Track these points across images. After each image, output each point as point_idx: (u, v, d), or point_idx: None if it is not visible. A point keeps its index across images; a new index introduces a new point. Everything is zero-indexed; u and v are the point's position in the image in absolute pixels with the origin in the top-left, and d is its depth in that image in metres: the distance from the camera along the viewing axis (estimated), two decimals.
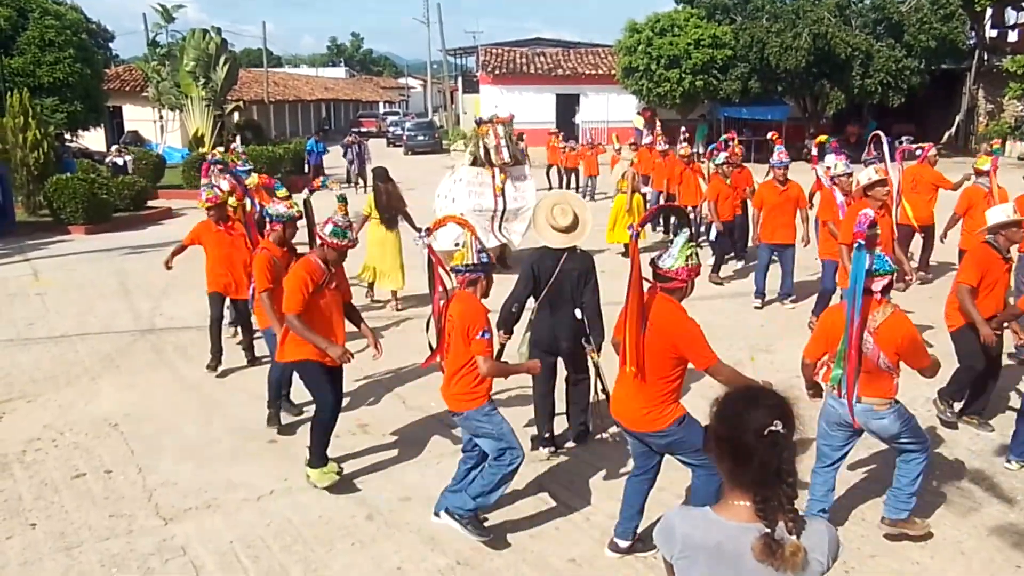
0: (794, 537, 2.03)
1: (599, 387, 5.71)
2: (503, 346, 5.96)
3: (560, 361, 6.16)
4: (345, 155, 25.07)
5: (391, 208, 9.97)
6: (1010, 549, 4.79)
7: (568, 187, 21.90)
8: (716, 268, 11.34)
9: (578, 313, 5.87)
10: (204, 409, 7.09)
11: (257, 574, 4.64)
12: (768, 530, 2.03)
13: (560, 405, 6.30)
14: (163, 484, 5.74)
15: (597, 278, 5.97)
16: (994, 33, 31.08)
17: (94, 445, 6.41)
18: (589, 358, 5.89)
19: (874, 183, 7.62)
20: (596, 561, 4.73)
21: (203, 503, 5.47)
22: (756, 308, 9.91)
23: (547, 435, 6.13)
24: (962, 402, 6.48)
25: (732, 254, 12.31)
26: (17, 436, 6.58)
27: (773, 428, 2.04)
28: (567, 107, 36.81)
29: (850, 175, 8.75)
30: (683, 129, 16.45)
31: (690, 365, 4.34)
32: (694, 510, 2.22)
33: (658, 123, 18.40)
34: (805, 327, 8.91)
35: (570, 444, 6.23)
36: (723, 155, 12.03)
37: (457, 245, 4.92)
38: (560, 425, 6.33)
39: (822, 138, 11.15)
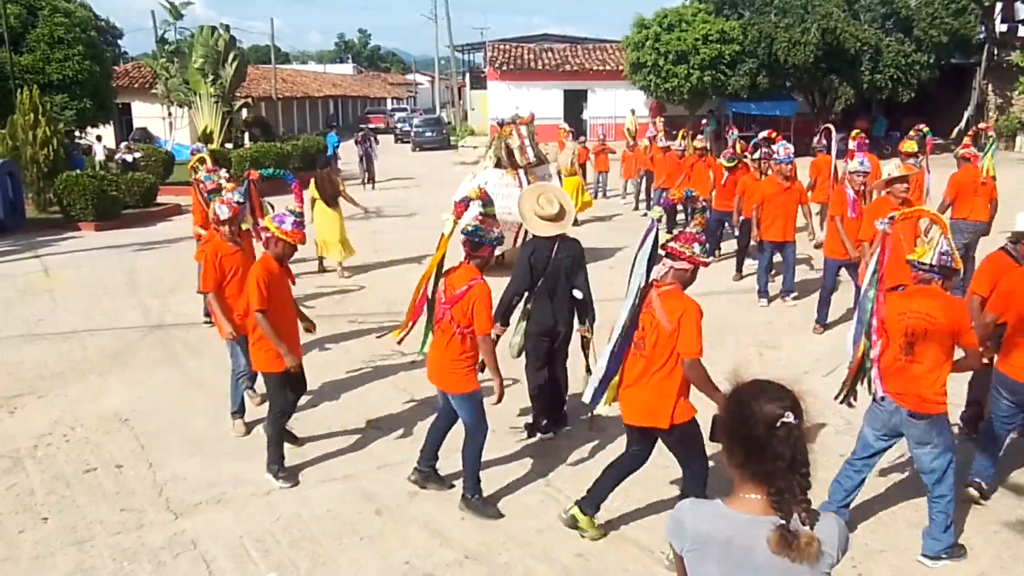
0: (808, 528, 2.05)
1: (587, 364, 6.00)
2: (498, 337, 6.01)
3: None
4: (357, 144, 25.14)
5: (327, 191, 11.95)
6: (1018, 546, 4.78)
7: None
8: (739, 267, 11.38)
9: (577, 294, 6.11)
10: (213, 405, 7.11)
11: (267, 568, 4.67)
12: (783, 521, 2.04)
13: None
14: (173, 479, 5.78)
15: (585, 261, 6.27)
16: (1004, 28, 30.86)
17: (104, 440, 6.46)
18: (583, 337, 6.19)
19: (893, 179, 7.45)
20: (604, 556, 4.74)
21: (213, 498, 5.50)
22: (763, 308, 9.84)
23: (546, 421, 6.33)
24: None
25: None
26: (28, 431, 6.64)
27: (785, 419, 2.06)
28: (575, 103, 36.74)
29: (865, 174, 8.54)
30: (703, 122, 16.30)
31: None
32: (704, 503, 2.24)
33: (659, 120, 18.25)
34: (812, 323, 8.90)
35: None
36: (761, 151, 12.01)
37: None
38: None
39: (855, 132, 10.89)
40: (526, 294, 6.21)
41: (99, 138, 23.95)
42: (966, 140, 10.47)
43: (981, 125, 11.23)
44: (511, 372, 7.02)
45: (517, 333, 6.30)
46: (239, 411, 6.61)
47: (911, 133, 11.91)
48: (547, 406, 6.35)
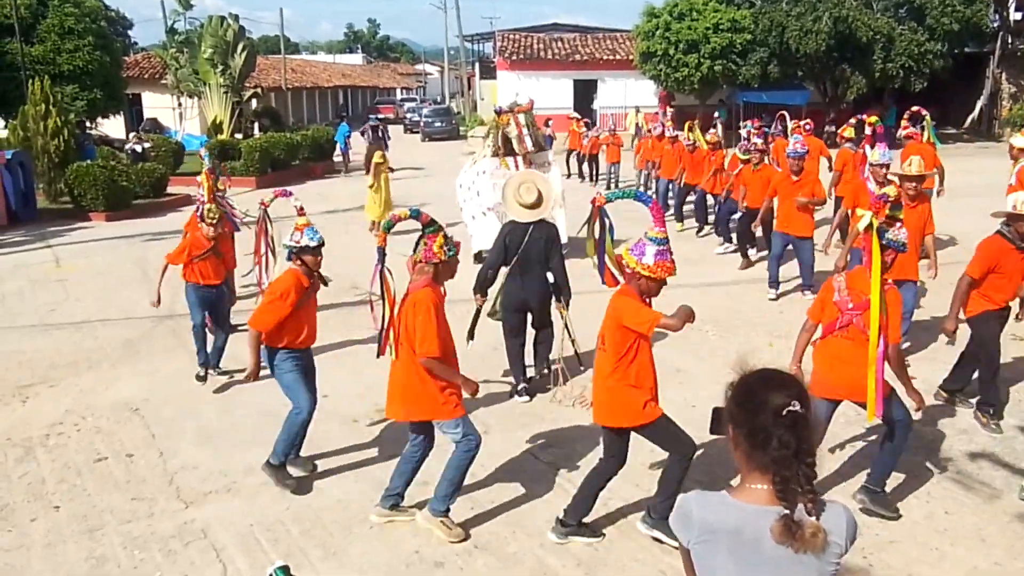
0: (813, 518, 2.02)
1: (570, 338, 7.05)
2: (479, 308, 6.99)
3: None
4: (363, 135, 25.17)
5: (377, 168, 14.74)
6: None
7: (591, 175, 21.79)
8: (744, 254, 11.35)
9: (549, 276, 6.84)
10: (223, 394, 7.14)
11: (277, 556, 4.66)
12: (787, 512, 2.02)
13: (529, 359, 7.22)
14: (183, 468, 5.80)
15: (561, 245, 6.94)
16: (1018, 16, 30.57)
17: (115, 429, 6.49)
18: (560, 314, 6.95)
19: (905, 176, 7.30)
20: (613, 546, 4.73)
21: (223, 487, 5.52)
22: (771, 300, 9.72)
23: (522, 385, 6.98)
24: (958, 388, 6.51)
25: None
26: (40, 420, 6.67)
27: (791, 408, 2.03)
28: (585, 93, 36.63)
29: (887, 165, 8.33)
30: (716, 115, 16.15)
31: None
32: (711, 495, 2.21)
33: (668, 111, 18.07)
34: None
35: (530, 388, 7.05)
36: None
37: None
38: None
39: (872, 119, 10.86)
40: (504, 270, 6.93)
41: (139, 139, 24.03)
42: (904, 123, 12.28)
43: (914, 108, 12.53)
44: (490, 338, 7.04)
45: (495, 304, 7.12)
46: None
47: (851, 120, 13.36)
48: (522, 370, 7.05)
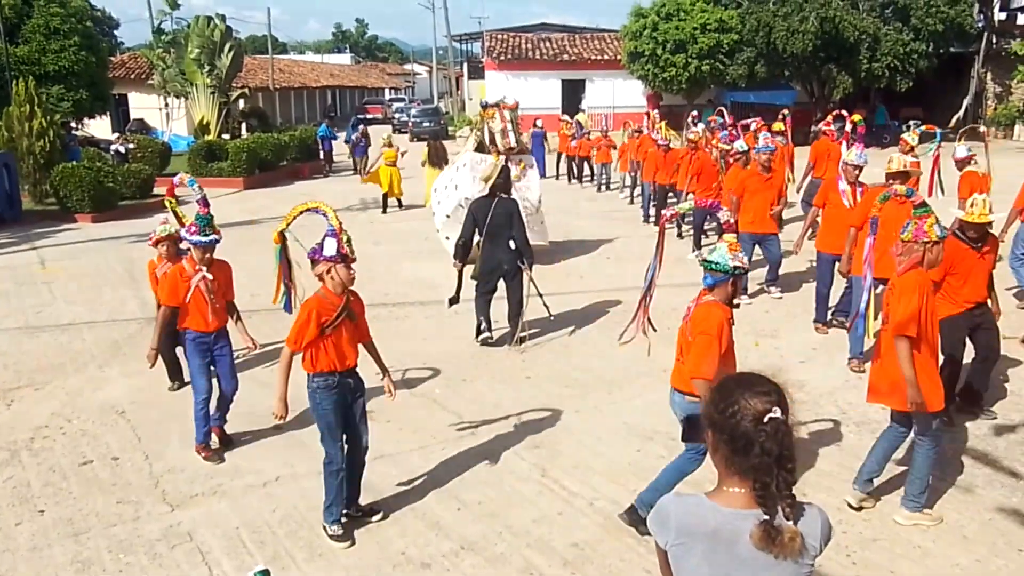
0: (791, 523, 2.03)
1: (537, 293, 8.25)
2: (460, 274, 8.29)
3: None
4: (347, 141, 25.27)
5: (435, 157, 16.02)
6: (1013, 533, 4.79)
7: (580, 176, 21.78)
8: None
9: (511, 244, 8.08)
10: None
11: (263, 559, 4.67)
12: (767, 517, 2.02)
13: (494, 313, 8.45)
14: (170, 470, 5.78)
15: (522, 216, 8.26)
16: (1003, 16, 30.78)
17: (101, 432, 6.46)
18: (526, 274, 8.18)
19: (896, 173, 7.31)
20: (599, 546, 4.75)
21: (209, 489, 5.51)
22: (747, 304, 9.36)
23: (485, 327, 8.29)
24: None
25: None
26: (25, 423, 6.64)
27: (772, 415, 2.02)
28: (573, 93, 36.68)
29: (860, 168, 8.26)
30: (694, 113, 16.16)
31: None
32: (689, 497, 2.21)
33: (654, 113, 17.95)
34: (809, 313, 8.88)
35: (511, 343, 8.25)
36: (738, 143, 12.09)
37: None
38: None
39: (856, 118, 10.90)
40: (476, 239, 8.27)
41: (124, 140, 24.03)
42: (828, 119, 13.22)
43: (836, 112, 13.67)
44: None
45: (474, 270, 8.37)
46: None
47: (780, 115, 14.30)
48: (487, 317, 8.33)
